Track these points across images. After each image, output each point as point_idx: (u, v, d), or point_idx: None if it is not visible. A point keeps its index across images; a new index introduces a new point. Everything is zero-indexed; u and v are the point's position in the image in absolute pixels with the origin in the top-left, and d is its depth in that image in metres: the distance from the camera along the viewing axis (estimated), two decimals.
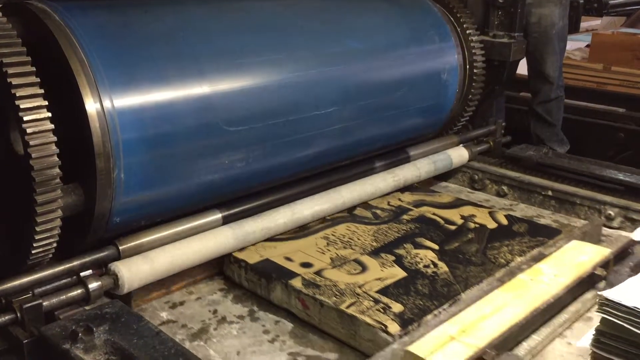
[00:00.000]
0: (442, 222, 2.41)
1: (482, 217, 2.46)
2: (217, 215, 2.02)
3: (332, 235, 2.24)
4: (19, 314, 1.61)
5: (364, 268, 2.02)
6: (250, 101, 2.01)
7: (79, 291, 1.72)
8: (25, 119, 1.52)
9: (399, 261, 2.08)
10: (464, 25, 2.87)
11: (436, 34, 2.78)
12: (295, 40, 2.24)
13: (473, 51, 2.87)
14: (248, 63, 2.04)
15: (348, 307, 1.78)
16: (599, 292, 1.47)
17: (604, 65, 5.18)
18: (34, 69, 1.56)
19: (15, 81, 1.52)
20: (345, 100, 2.31)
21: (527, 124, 3.89)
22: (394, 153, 2.71)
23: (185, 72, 1.87)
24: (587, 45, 5.53)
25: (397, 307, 1.79)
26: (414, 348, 1.46)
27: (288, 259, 2.06)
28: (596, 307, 1.48)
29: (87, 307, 1.72)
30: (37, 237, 1.63)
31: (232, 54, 2.02)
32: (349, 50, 2.38)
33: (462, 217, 2.45)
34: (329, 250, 2.13)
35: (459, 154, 2.91)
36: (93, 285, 1.73)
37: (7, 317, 1.60)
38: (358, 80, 2.38)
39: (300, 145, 2.22)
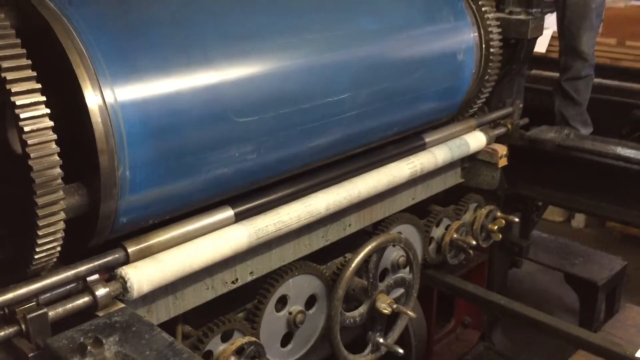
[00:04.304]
0: None
1: None
2: (229, 213, 1.91)
3: None
4: (23, 325, 1.51)
5: None
6: (260, 89, 1.89)
7: (86, 299, 1.61)
8: (22, 116, 1.41)
9: None
10: (479, 2, 2.73)
11: (451, 12, 2.64)
12: (305, 21, 2.10)
13: (489, 29, 2.73)
14: (256, 48, 1.92)
15: None
16: None
17: (618, 40, 5.03)
18: (29, 62, 1.44)
19: (10, 76, 1.41)
20: (359, 85, 2.19)
21: (541, 103, 3.75)
22: (409, 140, 2.59)
23: (191, 60, 1.75)
24: None
25: None
26: None
27: None
28: None
29: (98, 313, 1.62)
30: (39, 242, 1.52)
31: (239, 38, 1.89)
32: (362, 32, 2.25)
33: None
34: None
35: (476, 139, 2.79)
36: (101, 291, 1.62)
37: (10, 330, 1.50)
38: (371, 63, 2.24)
39: (313, 134, 2.10)
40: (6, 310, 1.53)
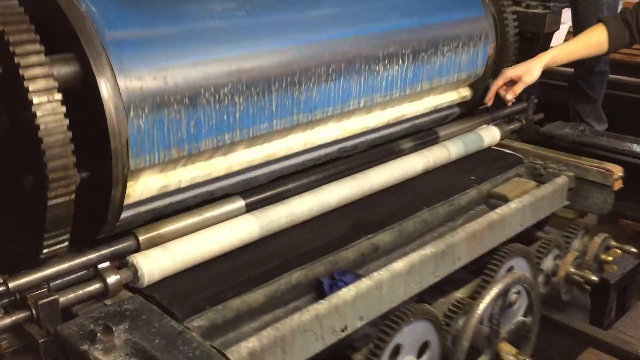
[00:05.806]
0: None
1: None
2: (240, 203, 1.91)
3: None
4: (34, 311, 1.52)
5: None
6: None
7: (97, 285, 1.62)
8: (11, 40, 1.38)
9: None
10: None
11: (466, 2, 2.61)
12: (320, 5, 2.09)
13: (505, 22, 2.70)
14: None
15: None
16: None
17: None
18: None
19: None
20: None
21: (564, 98, 3.70)
22: (423, 134, 2.57)
23: None
24: None
25: None
26: None
27: None
28: None
29: (107, 302, 1.63)
30: (37, 114, 1.37)
31: None
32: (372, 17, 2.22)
33: None
34: None
35: (490, 134, 2.76)
36: (111, 279, 1.62)
37: (22, 315, 1.51)
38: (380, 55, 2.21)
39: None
40: (17, 296, 1.54)
